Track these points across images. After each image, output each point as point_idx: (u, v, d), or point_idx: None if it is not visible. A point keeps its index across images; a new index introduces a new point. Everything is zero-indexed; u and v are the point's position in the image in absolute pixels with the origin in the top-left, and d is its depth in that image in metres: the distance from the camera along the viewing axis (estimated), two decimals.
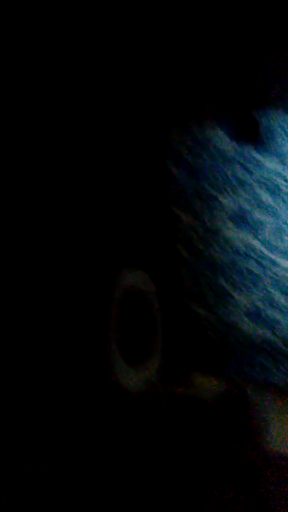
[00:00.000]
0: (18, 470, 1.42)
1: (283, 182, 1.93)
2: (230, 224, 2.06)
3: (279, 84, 1.78)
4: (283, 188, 1.92)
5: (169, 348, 2.10)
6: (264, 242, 2.01)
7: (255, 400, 1.80)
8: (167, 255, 2.23)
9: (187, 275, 2.23)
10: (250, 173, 1.98)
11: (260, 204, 1.98)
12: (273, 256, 2.00)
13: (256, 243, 2.02)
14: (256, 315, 2.08)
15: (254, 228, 2.01)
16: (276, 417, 1.84)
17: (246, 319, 2.11)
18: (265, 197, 1.97)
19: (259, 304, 2.07)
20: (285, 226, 1.95)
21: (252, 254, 2.04)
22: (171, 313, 2.17)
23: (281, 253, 1.97)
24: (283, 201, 1.94)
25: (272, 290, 2.03)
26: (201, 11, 1.74)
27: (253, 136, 1.91)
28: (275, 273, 2.00)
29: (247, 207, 2.00)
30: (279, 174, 1.93)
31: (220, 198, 2.05)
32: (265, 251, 2.00)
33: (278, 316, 2.04)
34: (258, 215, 1.99)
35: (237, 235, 2.05)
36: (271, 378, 2.05)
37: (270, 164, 1.93)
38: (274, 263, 2.00)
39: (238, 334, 2.13)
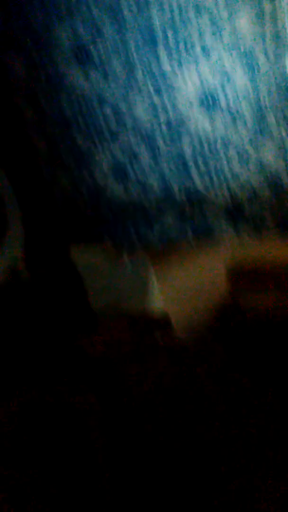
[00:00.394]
0: None
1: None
2: (73, 66, 1.67)
3: None
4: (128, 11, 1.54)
5: (35, 230, 1.84)
6: (115, 87, 1.67)
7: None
8: (8, 120, 1.85)
9: (38, 142, 1.88)
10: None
11: (102, 33, 1.59)
12: (126, 93, 1.66)
13: (105, 84, 1.67)
14: (122, 174, 1.81)
15: (101, 65, 1.64)
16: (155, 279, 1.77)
17: (112, 180, 1.84)
18: (105, 24, 1.58)
19: (123, 161, 1.79)
20: (134, 59, 1.59)
21: (104, 101, 1.70)
22: (29, 191, 1.86)
23: (134, 89, 1.64)
24: (129, 25, 1.56)
25: (133, 141, 1.74)
26: None
27: None
28: (133, 119, 1.69)
29: (87, 37, 1.61)
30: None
31: (55, 33, 1.64)
32: (117, 92, 1.66)
33: (145, 172, 1.79)
34: (101, 47, 1.61)
35: (83, 78, 1.68)
36: (145, 240, 1.85)
37: None
38: (127, 112, 1.67)
39: (108, 198, 1.87)
